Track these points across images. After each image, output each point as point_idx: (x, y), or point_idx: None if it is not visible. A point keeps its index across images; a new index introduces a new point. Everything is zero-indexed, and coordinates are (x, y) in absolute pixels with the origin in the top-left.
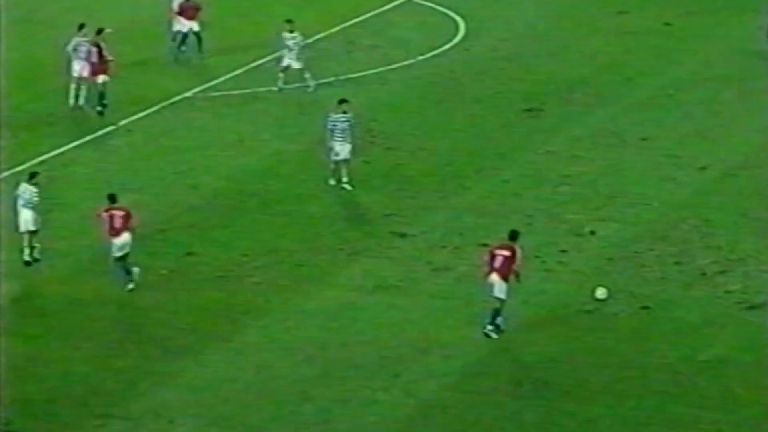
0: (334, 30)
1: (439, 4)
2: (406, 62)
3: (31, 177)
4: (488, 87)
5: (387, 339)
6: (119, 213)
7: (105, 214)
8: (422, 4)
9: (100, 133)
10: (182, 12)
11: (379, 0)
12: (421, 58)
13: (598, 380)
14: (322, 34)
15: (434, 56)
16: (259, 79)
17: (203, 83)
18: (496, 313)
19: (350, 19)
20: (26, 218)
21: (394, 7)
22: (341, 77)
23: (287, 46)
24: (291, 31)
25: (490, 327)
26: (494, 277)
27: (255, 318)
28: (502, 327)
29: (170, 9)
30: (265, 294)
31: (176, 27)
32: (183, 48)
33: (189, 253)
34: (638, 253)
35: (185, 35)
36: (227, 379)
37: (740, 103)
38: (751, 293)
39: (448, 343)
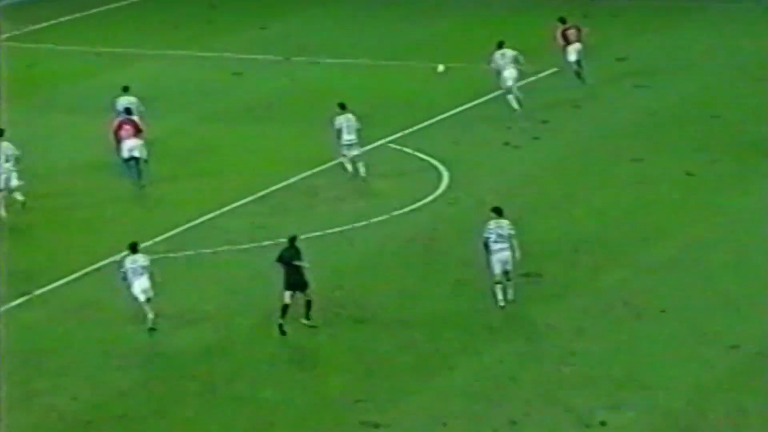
0: (292, 180)
1: (418, 150)
2: (379, 218)
3: (134, 249)
4: (477, 247)
5: None
6: None
7: None
8: (398, 150)
9: (12, 304)
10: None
11: None
12: (396, 213)
13: None
14: (277, 185)
15: (412, 210)
16: (204, 239)
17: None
18: None
19: (312, 167)
20: (144, 287)
21: (364, 153)
22: (300, 236)
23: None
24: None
25: None
26: None
27: None
28: None
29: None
30: None
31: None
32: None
33: None
34: None
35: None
36: None
37: None
38: None
39: None
